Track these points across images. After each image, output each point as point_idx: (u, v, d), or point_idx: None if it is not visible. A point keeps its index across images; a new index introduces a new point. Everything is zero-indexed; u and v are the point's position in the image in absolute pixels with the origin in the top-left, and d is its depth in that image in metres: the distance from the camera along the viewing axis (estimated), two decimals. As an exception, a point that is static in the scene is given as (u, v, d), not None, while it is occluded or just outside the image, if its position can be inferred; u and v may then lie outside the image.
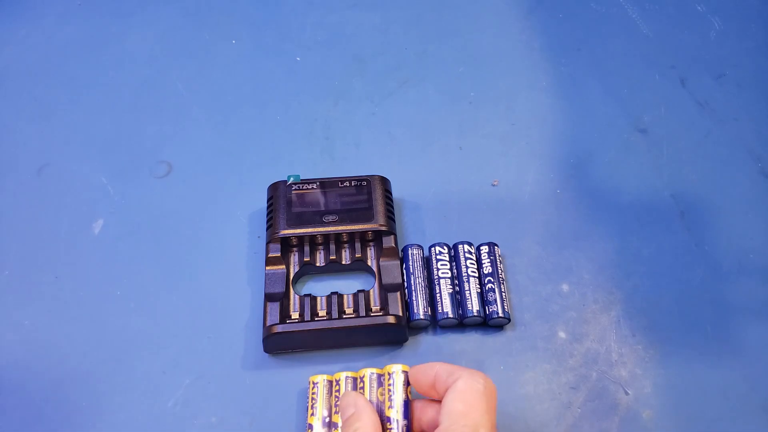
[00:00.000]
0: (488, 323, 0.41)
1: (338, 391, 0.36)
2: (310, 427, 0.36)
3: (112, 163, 0.49)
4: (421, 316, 0.40)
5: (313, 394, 0.37)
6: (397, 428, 0.33)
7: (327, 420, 0.36)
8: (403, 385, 0.35)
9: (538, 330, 0.42)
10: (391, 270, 0.42)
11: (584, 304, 0.43)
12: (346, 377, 0.36)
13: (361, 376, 0.36)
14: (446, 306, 0.41)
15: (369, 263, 0.43)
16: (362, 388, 0.35)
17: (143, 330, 0.42)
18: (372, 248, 0.44)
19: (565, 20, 0.58)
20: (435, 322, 0.41)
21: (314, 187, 0.44)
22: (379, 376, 0.35)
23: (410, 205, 0.47)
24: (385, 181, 0.45)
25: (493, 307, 0.41)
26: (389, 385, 0.35)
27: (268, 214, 0.44)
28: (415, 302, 0.41)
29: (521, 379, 0.40)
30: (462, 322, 0.42)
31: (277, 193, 0.44)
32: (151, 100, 0.53)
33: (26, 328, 0.42)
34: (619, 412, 0.39)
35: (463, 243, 0.43)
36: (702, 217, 0.47)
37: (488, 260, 0.43)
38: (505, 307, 0.41)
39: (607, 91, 0.53)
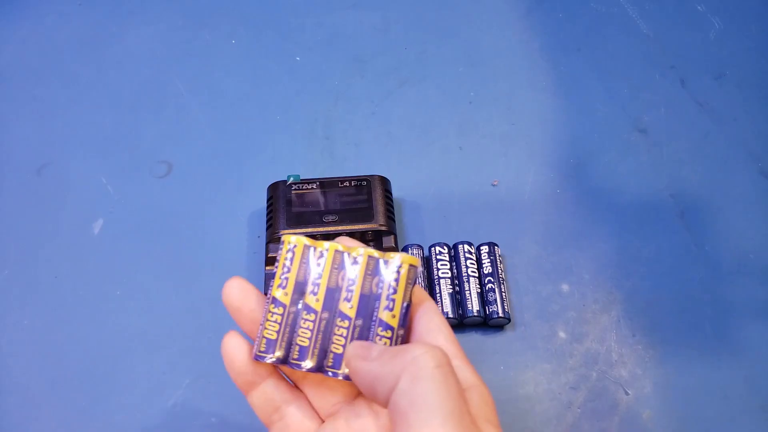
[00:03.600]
0: (488, 323, 0.41)
1: (319, 265, 0.28)
2: (274, 301, 0.27)
3: (112, 163, 0.49)
4: (421, 316, 0.40)
5: (285, 260, 0.28)
6: (393, 338, 0.27)
7: (299, 299, 0.28)
8: (408, 284, 0.27)
9: (538, 330, 0.42)
10: (391, 270, 0.42)
11: (584, 304, 0.43)
12: (335, 252, 0.28)
13: (355, 256, 0.28)
14: (446, 306, 0.41)
15: (369, 263, 0.43)
16: (355, 272, 0.28)
17: (143, 330, 0.42)
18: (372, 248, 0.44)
19: (564, 20, 0.58)
20: (435, 322, 0.41)
21: (314, 187, 0.44)
22: (379, 261, 0.27)
23: (410, 205, 0.47)
24: (385, 181, 0.45)
25: (493, 307, 0.41)
26: (393, 281, 0.27)
27: (268, 214, 0.44)
28: (415, 302, 0.41)
29: (521, 379, 0.40)
30: (462, 322, 0.42)
31: (277, 193, 0.44)
32: (151, 100, 0.53)
33: (26, 328, 0.42)
34: (619, 412, 0.39)
35: (463, 243, 0.43)
36: (702, 217, 0.47)
37: (488, 260, 0.43)
38: (505, 307, 0.41)
39: (606, 91, 0.53)
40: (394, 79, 0.54)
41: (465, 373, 0.25)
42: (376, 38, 0.57)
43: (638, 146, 0.50)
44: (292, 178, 0.45)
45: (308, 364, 0.27)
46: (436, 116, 0.52)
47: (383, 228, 0.43)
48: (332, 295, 0.28)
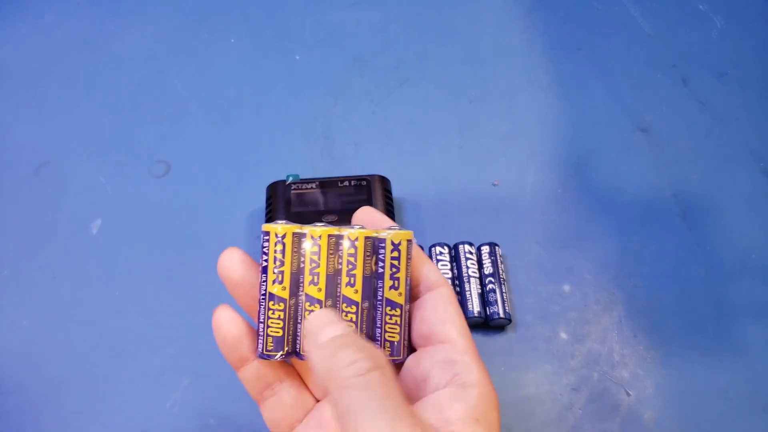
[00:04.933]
0: (489, 324, 0.41)
1: (315, 254, 0.27)
2: (272, 298, 0.26)
3: (110, 163, 0.49)
4: (422, 317, 0.40)
5: (276, 252, 0.26)
6: (402, 315, 0.27)
7: (298, 290, 0.27)
8: (408, 258, 0.27)
9: (539, 331, 0.42)
10: (391, 270, 0.42)
11: (585, 305, 0.43)
12: (329, 236, 0.27)
13: (351, 238, 0.27)
14: (446, 306, 0.41)
15: (369, 263, 0.43)
16: (353, 255, 0.27)
17: (142, 330, 0.41)
18: (372, 248, 0.43)
19: (565, 19, 0.58)
20: (435, 323, 0.41)
21: (313, 186, 0.44)
22: (375, 240, 0.27)
23: (410, 205, 0.47)
24: (385, 181, 0.45)
25: (494, 308, 0.41)
26: (393, 258, 0.27)
27: (267, 214, 0.44)
28: (415, 303, 0.41)
29: (522, 380, 0.40)
30: (462, 323, 0.41)
31: (276, 192, 0.44)
32: (150, 99, 0.52)
33: (24, 328, 0.42)
34: (621, 413, 0.39)
35: (463, 243, 0.43)
36: (703, 216, 0.47)
37: (489, 260, 0.42)
38: (506, 308, 0.41)
39: (608, 90, 0.53)
40: (394, 79, 0.54)
41: (471, 373, 0.25)
42: (376, 37, 0.56)
43: (640, 145, 0.50)
44: (291, 178, 0.44)
45: None
46: (436, 116, 0.52)
47: (383, 228, 0.42)
48: (333, 281, 0.27)
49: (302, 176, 0.45)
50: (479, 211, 0.47)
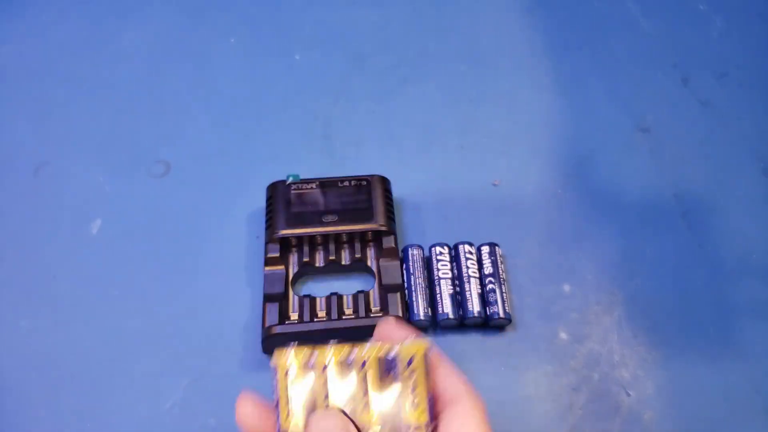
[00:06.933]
0: (489, 324, 0.41)
1: (326, 382, 0.26)
2: None
3: (109, 163, 0.49)
4: (422, 317, 0.40)
5: (288, 389, 0.26)
6: None
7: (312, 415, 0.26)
8: (427, 372, 0.25)
9: (539, 331, 0.42)
10: (391, 270, 0.42)
11: (586, 305, 0.43)
12: (340, 364, 0.26)
13: (363, 359, 0.26)
14: (447, 307, 0.41)
15: (369, 264, 0.43)
16: (365, 380, 0.26)
17: (141, 331, 0.41)
18: (372, 248, 0.43)
19: (566, 18, 0.57)
20: (435, 323, 0.41)
21: (314, 186, 0.44)
22: (389, 359, 0.26)
23: (410, 205, 0.47)
24: (385, 181, 0.45)
25: (494, 308, 0.41)
26: (409, 374, 0.25)
27: (267, 214, 0.44)
28: (415, 303, 0.41)
29: (522, 380, 0.40)
30: (463, 323, 0.41)
31: (276, 192, 0.44)
32: (149, 99, 0.52)
33: (23, 329, 0.42)
34: (621, 414, 0.39)
35: (463, 243, 0.43)
36: (704, 217, 0.47)
37: (489, 260, 0.42)
38: (506, 308, 0.41)
39: (609, 90, 0.53)
40: (394, 78, 0.54)
41: None
42: (377, 36, 0.56)
43: (641, 145, 0.50)
44: (291, 178, 0.44)
45: None
46: (436, 115, 0.52)
47: (383, 228, 0.42)
48: (349, 404, 0.26)
49: (302, 176, 0.45)
50: (479, 211, 0.46)
